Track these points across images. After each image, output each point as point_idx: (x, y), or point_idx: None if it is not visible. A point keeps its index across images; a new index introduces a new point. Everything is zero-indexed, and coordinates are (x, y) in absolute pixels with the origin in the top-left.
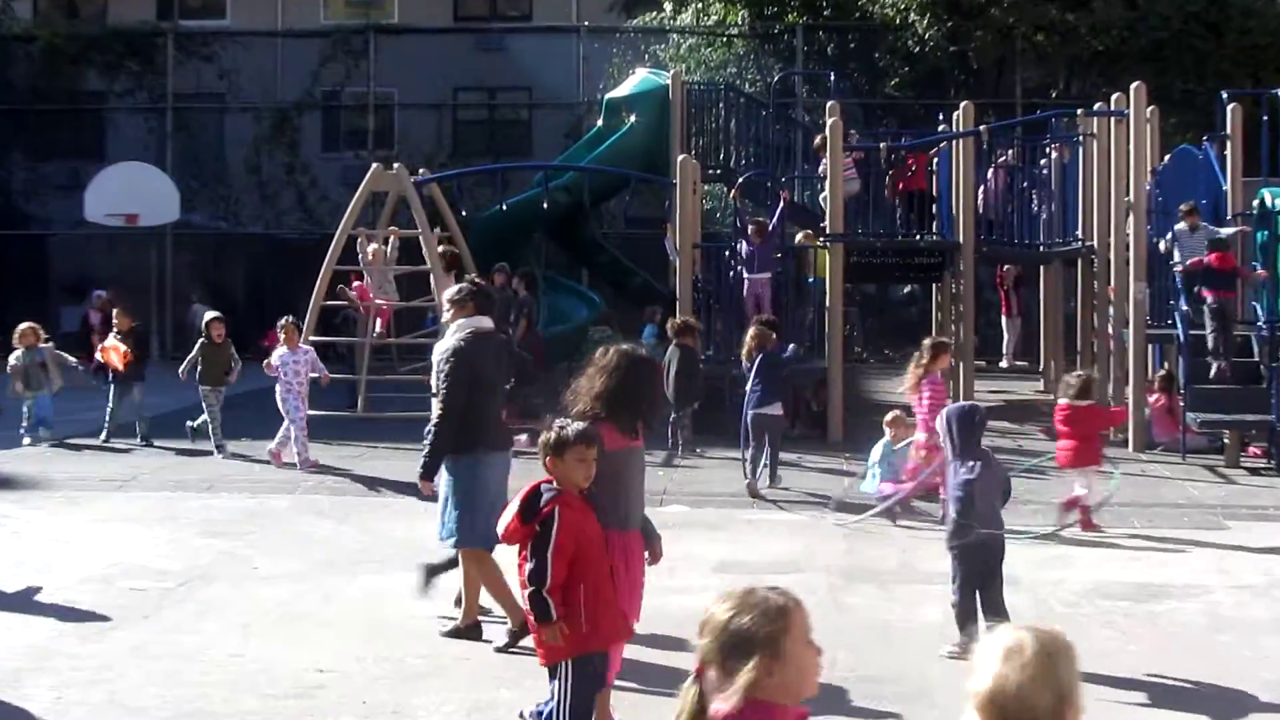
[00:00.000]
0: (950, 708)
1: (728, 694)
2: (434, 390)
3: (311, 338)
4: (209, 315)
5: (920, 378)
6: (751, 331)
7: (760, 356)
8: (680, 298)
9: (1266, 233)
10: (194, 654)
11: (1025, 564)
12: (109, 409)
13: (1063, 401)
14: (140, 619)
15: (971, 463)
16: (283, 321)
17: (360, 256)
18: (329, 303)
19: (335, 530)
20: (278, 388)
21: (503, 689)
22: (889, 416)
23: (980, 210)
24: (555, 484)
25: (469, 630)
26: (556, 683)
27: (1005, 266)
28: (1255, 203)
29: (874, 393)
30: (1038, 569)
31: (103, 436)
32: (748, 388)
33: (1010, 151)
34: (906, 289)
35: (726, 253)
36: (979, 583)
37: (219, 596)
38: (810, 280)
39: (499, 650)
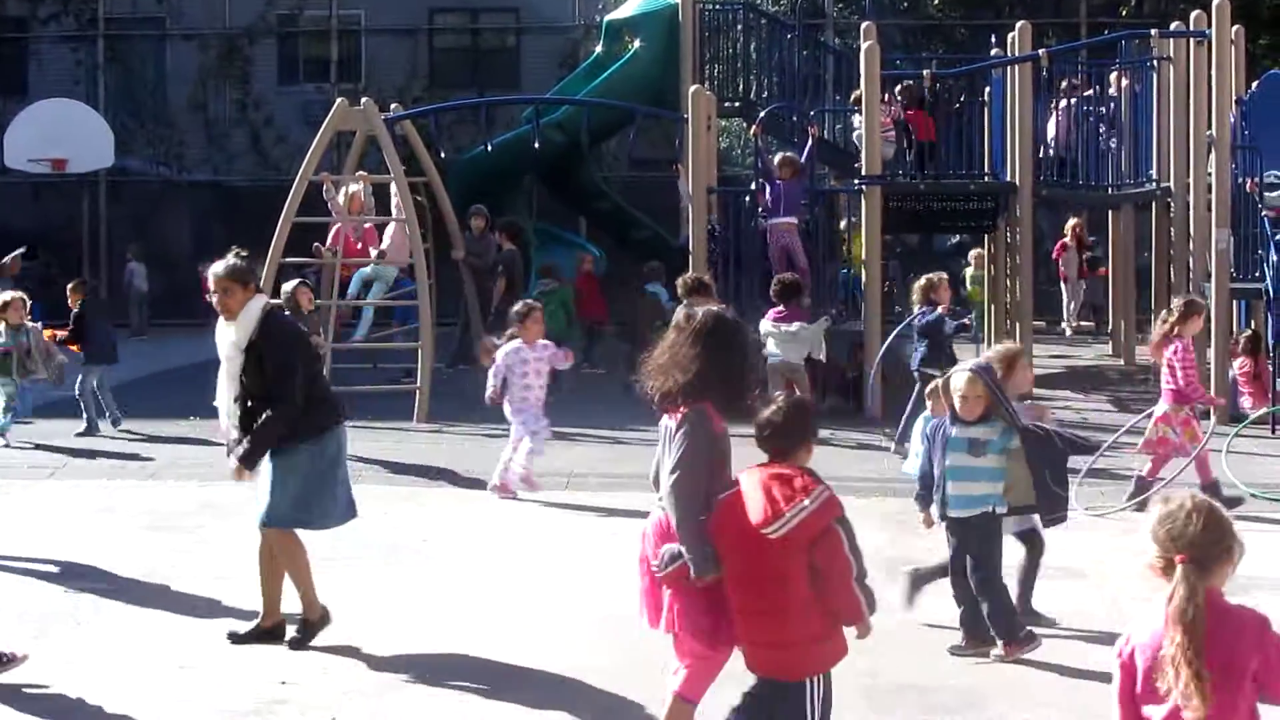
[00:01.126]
0: (1004, 714)
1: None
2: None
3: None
4: (291, 283)
5: (1165, 337)
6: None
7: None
8: (693, 251)
9: None
10: (136, 665)
11: (1088, 553)
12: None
13: None
14: (74, 625)
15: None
16: (519, 308)
17: (330, 205)
18: (289, 259)
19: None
20: (500, 391)
21: (479, 697)
22: (931, 386)
23: (1048, 149)
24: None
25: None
26: (793, 701)
27: (1075, 222)
28: None
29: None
30: (1102, 559)
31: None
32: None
33: (1073, 79)
34: (954, 239)
35: (746, 198)
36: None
37: (166, 598)
38: (843, 269)
39: (238, 640)
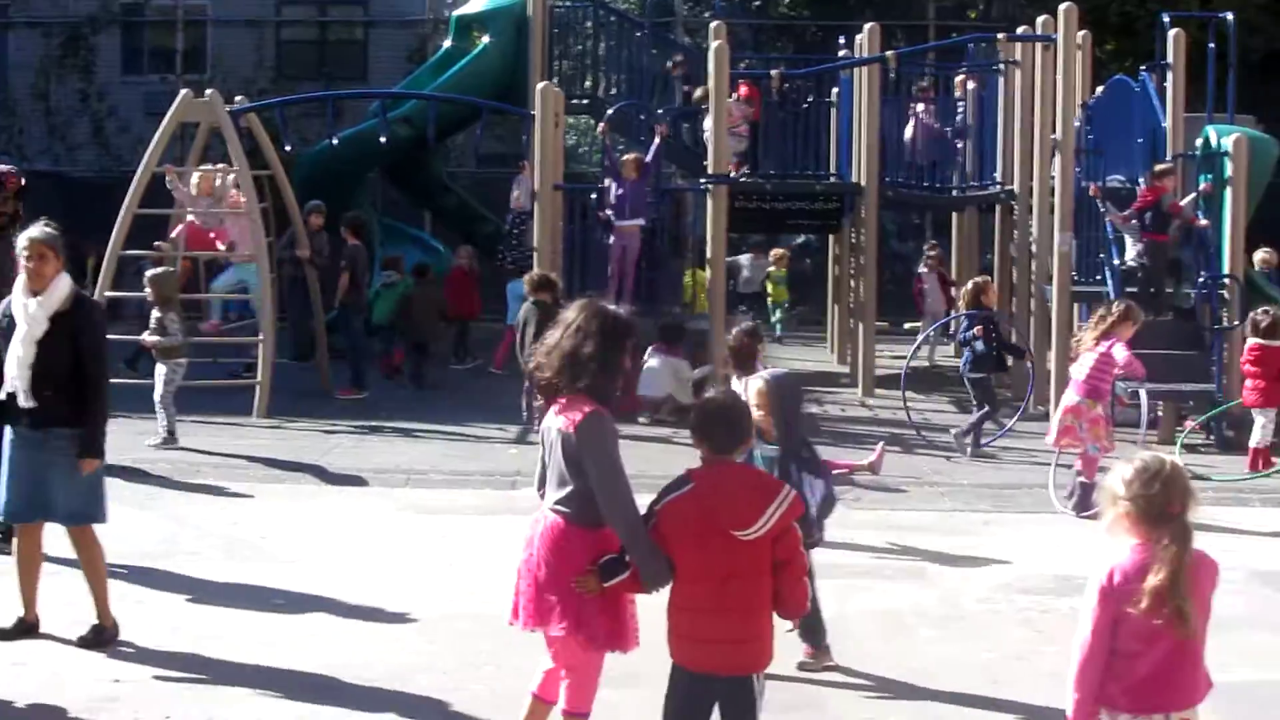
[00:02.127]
0: (843, 714)
1: None
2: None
3: (107, 293)
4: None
5: (1101, 338)
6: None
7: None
8: (539, 248)
9: (1210, 177)
10: None
11: (933, 555)
12: None
13: (1253, 341)
14: None
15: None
16: None
17: (175, 195)
18: (129, 252)
19: (135, 519)
20: None
21: (319, 702)
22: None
23: (906, 154)
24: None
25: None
26: (748, 696)
27: (935, 254)
28: (1199, 142)
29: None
30: (945, 563)
31: None
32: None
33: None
34: (800, 239)
35: (593, 195)
36: None
37: None
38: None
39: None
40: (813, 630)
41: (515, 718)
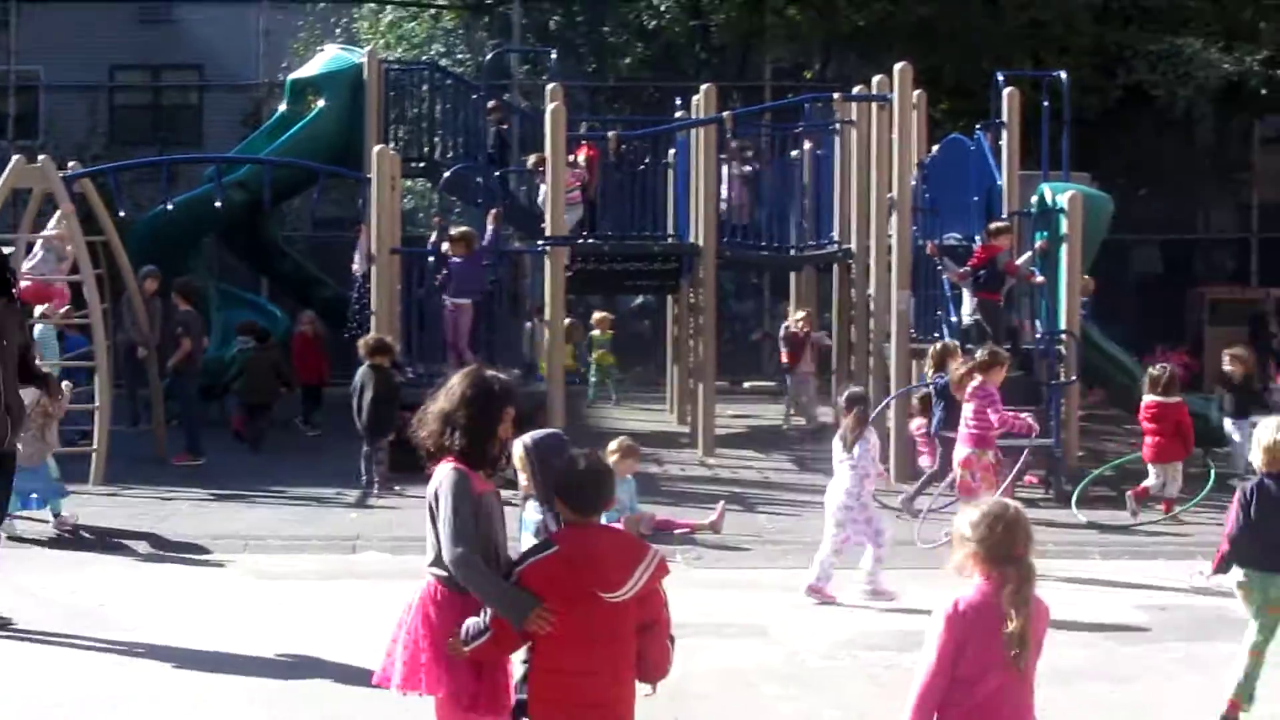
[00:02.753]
0: None
1: None
2: None
3: None
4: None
5: (966, 381)
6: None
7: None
8: (377, 312)
9: (1046, 234)
10: None
11: (774, 612)
12: None
13: (1149, 398)
14: None
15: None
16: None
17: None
18: None
19: None
20: (842, 494)
21: None
22: (616, 445)
23: (721, 213)
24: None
25: None
26: None
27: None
28: (1034, 199)
29: (600, 419)
30: (788, 617)
31: None
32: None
33: (744, 142)
34: (639, 300)
35: (431, 259)
36: None
37: None
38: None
39: None
40: None
41: None
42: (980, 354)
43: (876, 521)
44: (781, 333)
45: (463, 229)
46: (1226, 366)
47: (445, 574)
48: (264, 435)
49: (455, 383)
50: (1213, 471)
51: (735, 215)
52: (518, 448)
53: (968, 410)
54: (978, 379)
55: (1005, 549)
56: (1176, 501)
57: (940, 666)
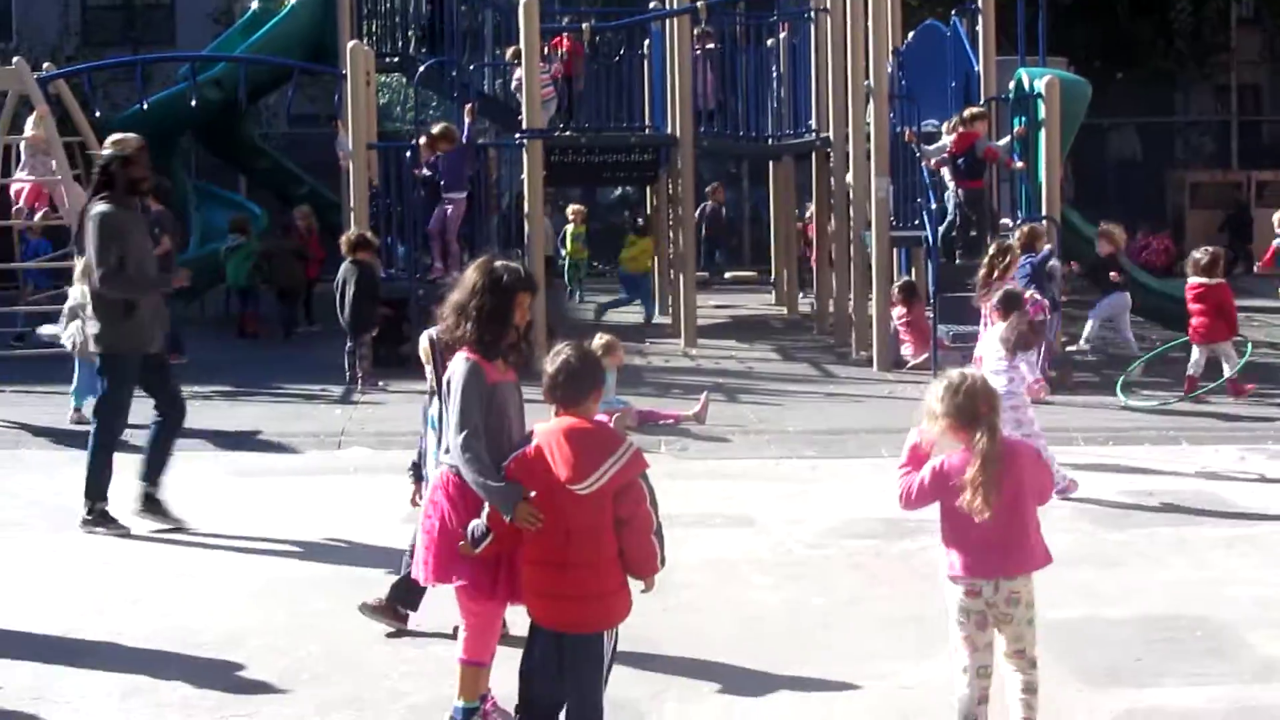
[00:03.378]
0: (676, 662)
1: None
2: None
3: None
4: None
5: (994, 279)
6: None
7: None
8: (355, 207)
9: (1024, 119)
10: None
11: (759, 502)
12: None
13: (1194, 280)
14: None
15: None
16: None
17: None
18: None
19: None
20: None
21: (152, 673)
22: (600, 341)
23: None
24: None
25: None
26: (594, 653)
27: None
28: (1011, 85)
29: (580, 312)
30: (773, 507)
31: None
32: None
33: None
34: (617, 191)
35: (408, 154)
36: None
37: None
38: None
39: None
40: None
41: (348, 675)
42: (1016, 237)
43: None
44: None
45: (444, 124)
46: None
47: (456, 464)
48: (296, 321)
49: (469, 273)
50: (1249, 349)
51: (701, 101)
52: (423, 340)
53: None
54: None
55: (970, 413)
56: (1200, 382)
57: (919, 490)
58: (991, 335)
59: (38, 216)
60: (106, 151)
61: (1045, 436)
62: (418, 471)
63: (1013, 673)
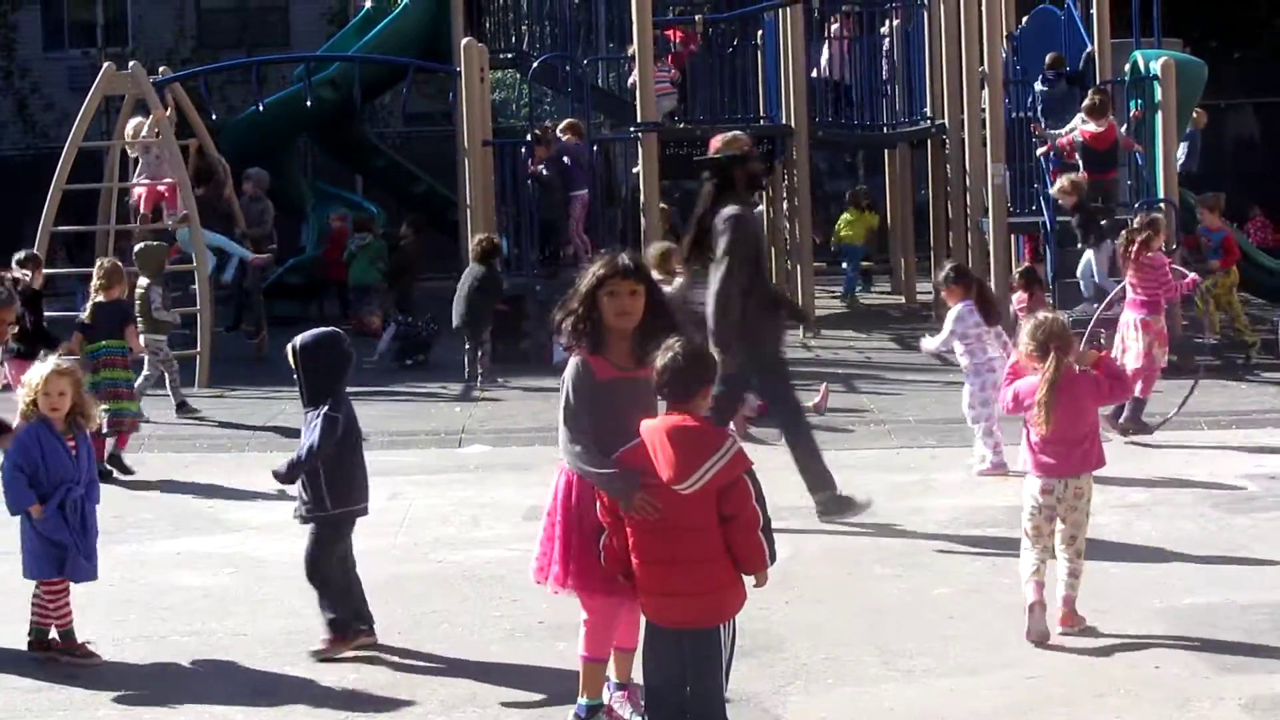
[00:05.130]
0: (799, 655)
1: None
2: None
3: (45, 271)
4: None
5: (1135, 254)
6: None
7: None
8: (472, 206)
9: (1140, 101)
10: None
11: (880, 492)
12: None
13: None
14: None
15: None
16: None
17: (140, 158)
18: (60, 228)
19: None
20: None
21: (277, 672)
22: None
23: (825, 83)
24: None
25: None
26: (712, 648)
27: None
28: (1127, 67)
29: (695, 305)
30: (896, 497)
31: None
32: None
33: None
34: None
35: (523, 150)
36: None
37: None
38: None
39: None
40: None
41: (470, 673)
42: (1141, 220)
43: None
44: None
45: (571, 120)
46: None
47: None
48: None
49: (593, 270)
50: None
51: (833, 89)
52: (288, 348)
53: (1135, 277)
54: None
55: (1042, 347)
56: None
57: (1006, 401)
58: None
59: (167, 218)
60: (723, 153)
61: (994, 418)
62: None
63: (1065, 558)
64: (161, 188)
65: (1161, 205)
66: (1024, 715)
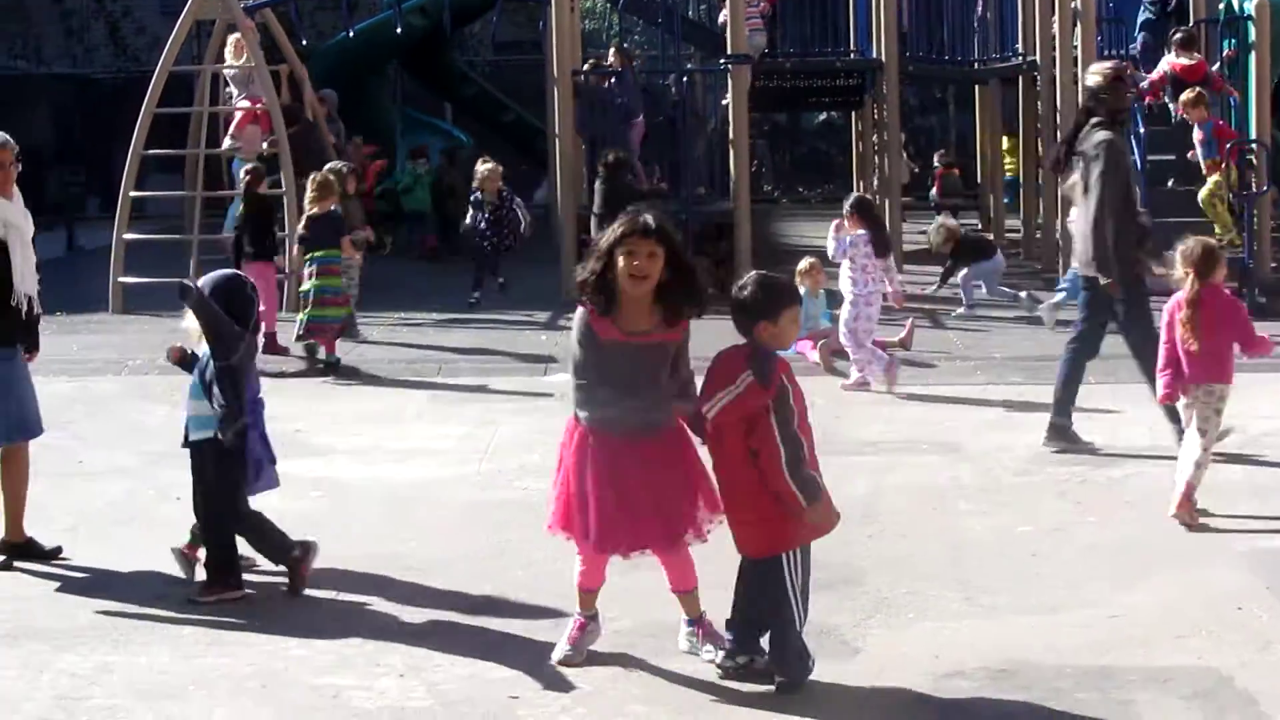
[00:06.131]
0: (880, 589)
1: None
2: None
3: (132, 193)
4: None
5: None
6: None
7: None
8: (560, 135)
9: (1234, 41)
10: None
11: (965, 428)
12: None
13: None
14: None
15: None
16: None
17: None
18: (150, 152)
19: (170, 416)
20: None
21: (364, 592)
22: (803, 265)
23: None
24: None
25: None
26: (772, 577)
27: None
28: (1220, 7)
29: (786, 238)
30: (980, 433)
31: None
32: None
33: None
34: (821, 117)
35: (611, 80)
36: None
37: (37, 497)
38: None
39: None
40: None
41: (551, 600)
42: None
43: None
44: None
45: (617, 46)
46: None
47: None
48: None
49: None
50: None
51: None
52: (188, 289)
53: None
54: None
55: (1184, 270)
56: None
57: (1168, 334)
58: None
59: (262, 141)
60: (1098, 81)
61: (867, 345)
62: None
63: (1193, 443)
64: (259, 109)
65: (1254, 147)
66: (1103, 654)
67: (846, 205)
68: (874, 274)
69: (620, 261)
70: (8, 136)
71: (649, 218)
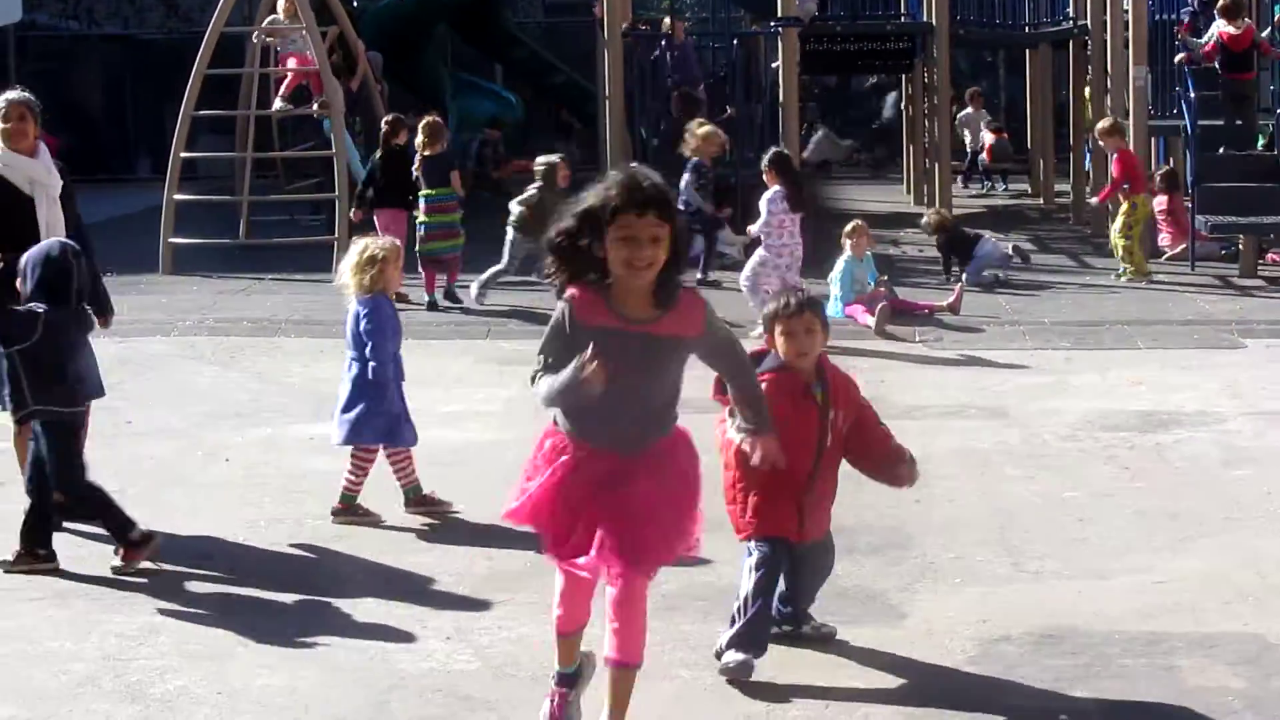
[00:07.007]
0: (928, 553)
1: None
2: None
3: (183, 154)
4: (553, 158)
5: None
6: None
7: None
8: (610, 96)
9: None
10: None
11: (1013, 393)
12: None
13: None
14: None
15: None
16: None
17: (280, 49)
18: (201, 113)
19: (219, 377)
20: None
21: (413, 554)
22: (849, 227)
23: None
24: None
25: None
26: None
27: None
28: None
29: (836, 200)
30: (1027, 398)
31: None
32: None
33: None
34: (872, 80)
35: (662, 42)
36: None
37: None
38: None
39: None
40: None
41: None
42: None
43: None
44: None
45: (670, 13)
46: None
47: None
48: None
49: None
50: None
51: None
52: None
53: None
54: None
55: None
56: None
57: None
58: None
59: (314, 103)
60: None
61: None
62: None
63: None
64: (311, 66)
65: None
66: (1151, 620)
67: (764, 160)
68: (790, 228)
69: (614, 248)
70: (29, 95)
71: (649, 182)
